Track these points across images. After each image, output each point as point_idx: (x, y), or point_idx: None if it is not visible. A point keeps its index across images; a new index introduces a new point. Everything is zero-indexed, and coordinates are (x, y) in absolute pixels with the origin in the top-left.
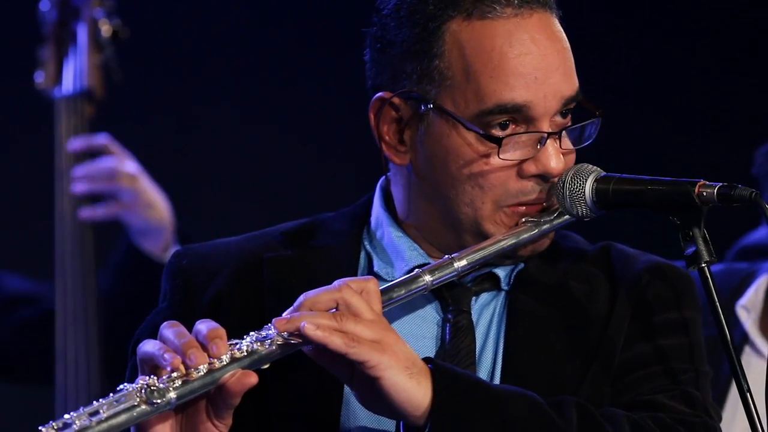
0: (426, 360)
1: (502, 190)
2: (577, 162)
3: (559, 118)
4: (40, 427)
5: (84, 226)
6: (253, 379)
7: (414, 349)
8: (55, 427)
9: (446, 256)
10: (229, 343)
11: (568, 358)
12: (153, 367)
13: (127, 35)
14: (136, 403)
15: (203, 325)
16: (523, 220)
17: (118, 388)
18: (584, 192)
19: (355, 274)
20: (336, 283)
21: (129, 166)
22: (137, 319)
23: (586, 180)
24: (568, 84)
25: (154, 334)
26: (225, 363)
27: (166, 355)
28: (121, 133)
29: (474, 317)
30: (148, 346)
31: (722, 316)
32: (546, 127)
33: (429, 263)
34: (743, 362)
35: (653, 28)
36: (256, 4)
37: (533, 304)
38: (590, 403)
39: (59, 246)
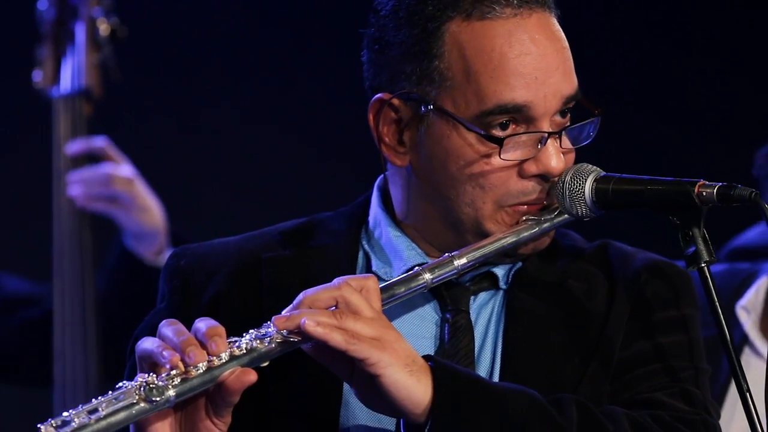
0: (426, 358)
1: (503, 190)
2: (576, 162)
3: (558, 118)
4: (39, 425)
5: (82, 226)
6: (252, 377)
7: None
8: (54, 425)
9: (446, 254)
10: (229, 341)
11: (567, 356)
12: (152, 364)
13: (125, 34)
14: (135, 401)
15: (202, 323)
16: (524, 218)
17: (117, 386)
18: (584, 192)
19: (354, 274)
20: (336, 280)
21: (125, 170)
22: (132, 321)
23: (585, 180)
24: (568, 83)
25: (152, 334)
26: (224, 361)
27: (164, 353)
28: (119, 132)
29: (472, 316)
30: (147, 344)
31: (722, 316)
32: (546, 126)
33: (427, 262)
34: (743, 363)
35: (653, 28)
36: (256, 4)
37: (532, 302)
38: (589, 402)
39: (57, 246)
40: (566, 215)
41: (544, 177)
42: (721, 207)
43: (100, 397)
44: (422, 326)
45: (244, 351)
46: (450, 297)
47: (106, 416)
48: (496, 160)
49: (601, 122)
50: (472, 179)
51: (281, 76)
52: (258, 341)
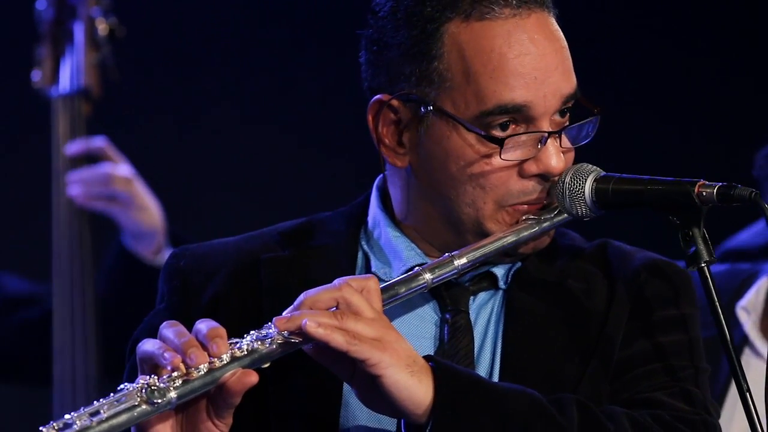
0: (426, 358)
1: (503, 190)
2: (576, 161)
3: (558, 117)
4: (41, 428)
5: (82, 226)
6: (253, 378)
7: None
8: (56, 428)
9: (446, 254)
10: (230, 342)
11: (567, 356)
12: (153, 366)
13: (124, 34)
14: (136, 403)
15: (203, 325)
16: (524, 218)
17: (118, 388)
18: (584, 192)
19: (353, 275)
20: (336, 281)
21: (124, 169)
22: (130, 321)
23: (585, 180)
24: (567, 82)
25: (152, 335)
26: (225, 362)
27: (166, 354)
28: (118, 132)
29: (472, 317)
30: (148, 345)
31: (722, 316)
32: (546, 126)
33: (427, 263)
34: (743, 363)
35: (653, 28)
36: (256, 4)
37: (531, 302)
38: (589, 401)
39: (57, 246)
40: (566, 214)
41: (544, 176)
42: (721, 207)
43: (101, 399)
44: (422, 326)
45: (245, 352)
46: (449, 297)
47: (107, 418)
48: (496, 161)
49: (601, 122)
50: (472, 179)
51: (281, 76)
52: (259, 342)
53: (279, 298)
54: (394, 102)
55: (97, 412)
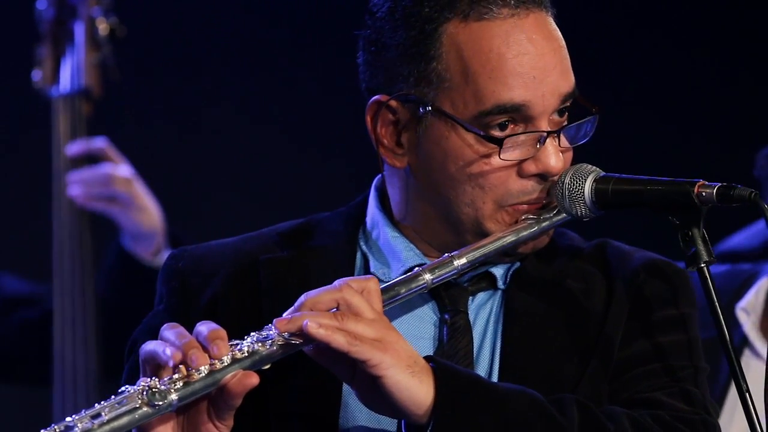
0: (427, 358)
1: (502, 190)
2: (575, 161)
3: (556, 117)
4: (42, 431)
5: (82, 226)
6: (254, 379)
7: None
8: (57, 430)
9: (446, 254)
10: (230, 343)
11: (566, 356)
12: (155, 367)
13: (125, 34)
14: (137, 405)
15: (204, 326)
16: (523, 217)
17: (119, 390)
18: (583, 192)
19: (352, 275)
20: (337, 282)
21: (124, 170)
22: (130, 321)
23: (585, 180)
24: (566, 81)
25: (151, 336)
26: (226, 364)
27: (166, 350)
28: (118, 131)
29: (471, 317)
30: (150, 346)
31: (722, 317)
32: (545, 126)
33: (426, 263)
34: (742, 364)
35: (652, 28)
36: (256, 4)
37: (530, 302)
38: (589, 401)
39: (57, 246)
40: (566, 214)
41: (543, 176)
42: (720, 207)
43: (102, 402)
44: (421, 327)
45: (246, 354)
46: (448, 297)
47: (109, 421)
48: (495, 161)
49: (601, 122)
50: (471, 179)
51: (281, 76)
52: (260, 344)
53: (278, 298)
54: (393, 103)
55: (98, 415)
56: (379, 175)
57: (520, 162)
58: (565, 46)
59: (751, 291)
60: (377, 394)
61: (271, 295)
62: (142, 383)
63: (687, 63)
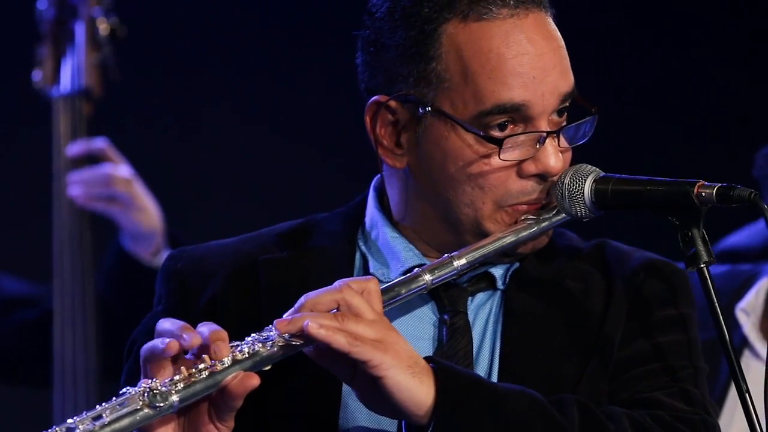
0: (427, 359)
1: (502, 190)
2: (575, 162)
3: (555, 117)
4: None
5: (82, 226)
6: (255, 381)
7: None
8: None
9: (445, 255)
10: (231, 345)
11: (566, 356)
12: (156, 366)
13: (125, 34)
14: (138, 407)
15: (205, 327)
16: (523, 218)
17: (120, 392)
18: (583, 192)
19: (351, 276)
20: (337, 283)
21: (124, 170)
22: (129, 322)
23: (585, 180)
24: (565, 81)
25: (150, 337)
26: (227, 365)
27: (163, 339)
28: (118, 132)
29: (470, 317)
30: (149, 344)
31: (722, 317)
32: (544, 126)
33: (426, 263)
34: (742, 365)
35: (652, 27)
36: (256, 4)
37: (529, 303)
38: (589, 401)
39: (57, 246)
40: (565, 215)
41: (543, 176)
42: (720, 208)
43: (104, 404)
44: (420, 327)
45: (247, 355)
46: (448, 298)
47: (110, 422)
48: (495, 161)
49: (601, 122)
50: (471, 180)
51: (280, 76)
52: (260, 345)
53: (277, 299)
54: (392, 103)
55: (99, 416)
56: (378, 176)
57: (520, 162)
58: (565, 46)
59: (751, 292)
60: (378, 394)
61: (270, 295)
62: (143, 384)
63: (687, 63)
